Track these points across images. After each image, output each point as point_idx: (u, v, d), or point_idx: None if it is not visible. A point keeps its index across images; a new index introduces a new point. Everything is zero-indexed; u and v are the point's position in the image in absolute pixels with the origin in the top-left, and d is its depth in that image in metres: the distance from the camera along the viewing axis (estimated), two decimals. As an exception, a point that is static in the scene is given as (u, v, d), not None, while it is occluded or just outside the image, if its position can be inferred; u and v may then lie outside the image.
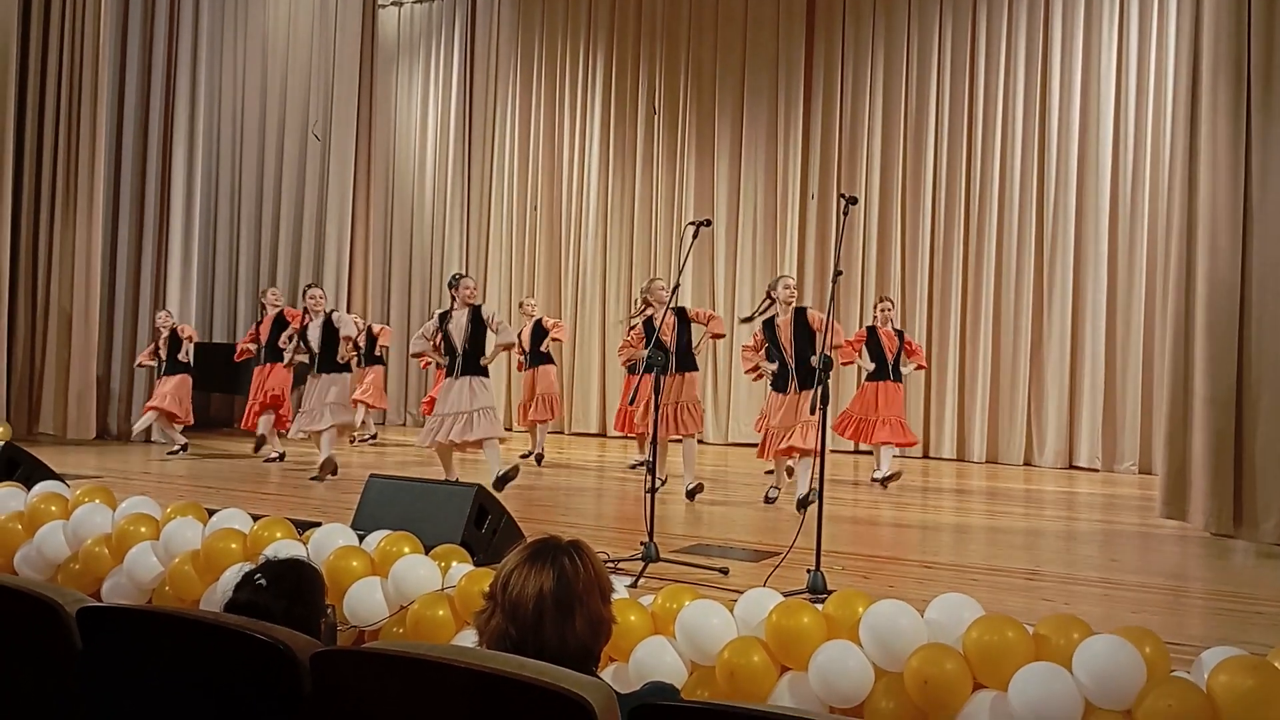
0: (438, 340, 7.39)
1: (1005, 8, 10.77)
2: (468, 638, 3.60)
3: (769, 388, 7.99)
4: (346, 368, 8.42)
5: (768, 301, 7.02)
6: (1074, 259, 10.39)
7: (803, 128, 11.57)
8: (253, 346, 9.31)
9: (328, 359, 8.28)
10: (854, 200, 4.80)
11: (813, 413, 4.38)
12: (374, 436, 11.03)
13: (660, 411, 7.00)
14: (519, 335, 9.57)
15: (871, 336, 8.47)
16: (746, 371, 7.55)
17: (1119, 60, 10.28)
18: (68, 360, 9.81)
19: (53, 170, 9.94)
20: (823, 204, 11.50)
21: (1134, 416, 10.03)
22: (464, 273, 8.07)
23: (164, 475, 8.06)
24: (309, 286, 8.73)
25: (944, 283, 10.94)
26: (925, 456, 10.76)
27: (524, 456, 9.13)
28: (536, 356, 9.63)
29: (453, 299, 7.44)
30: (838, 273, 4.69)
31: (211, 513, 4.59)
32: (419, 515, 4.76)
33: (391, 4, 13.62)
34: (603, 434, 12.09)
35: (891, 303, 8.70)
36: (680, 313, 7.35)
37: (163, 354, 9.40)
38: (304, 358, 8.53)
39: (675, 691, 2.24)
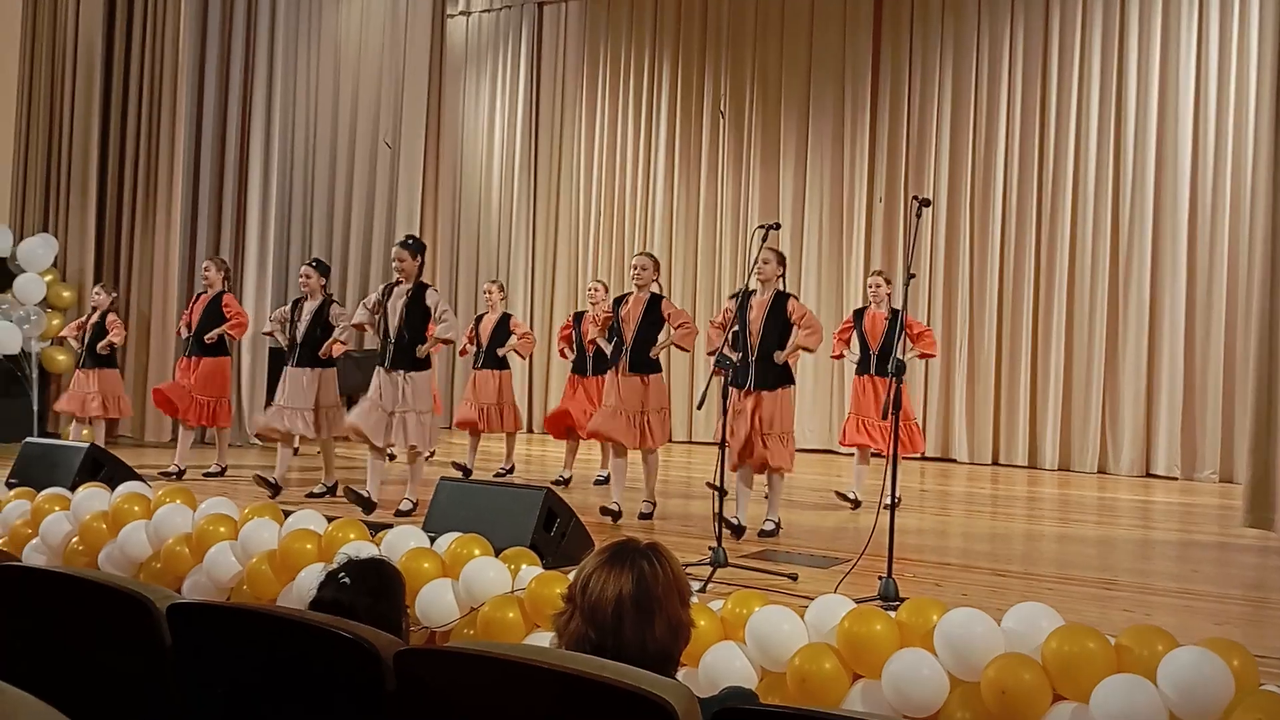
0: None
1: (1079, 7, 10.55)
2: (537, 640, 3.63)
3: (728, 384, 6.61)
4: (330, 364, 7.39)
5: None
6: (1151, 261, 10.13)
7: (869, 131, 11.46)
8: (185, 330, 8.24)
9: (309, 352, 7.26)
10: (927, 203, 4.74)
11: (885, 418, 4.32)
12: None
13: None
14: (477, 324, 8.65)
15: (858, 321, 7.34)
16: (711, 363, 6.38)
17: (1198, 58, 10.00)
18: (146, 364, 10.08)
19: (134, 179, 10.24)
20: (889, 208, 11.38)
21: (1214, 422, 9.74)
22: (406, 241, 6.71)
23: (239, 476, 8.23)
24: (308, 263, 7.69)
25: (1015, 287, 10.74)
26: (995, 463, 10.57)
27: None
28: (491, 358, 8.41)
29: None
30: (910, 276, 4.64)
31: (287, 514, 4.69)
32: (488, 518, 4.82)
33: (460, 13, 13.79)
34: (689, 440, 12.03)
35: (885, 278, 7.36)
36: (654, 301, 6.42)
37: (89, 334, 8.34)
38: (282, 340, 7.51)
39: (755, 696, 2.23)
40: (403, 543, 4.32)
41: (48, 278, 9.98)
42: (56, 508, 5.16)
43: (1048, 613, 3.20)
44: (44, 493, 5.36)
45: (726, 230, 12.21)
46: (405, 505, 6.36)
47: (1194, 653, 2.84)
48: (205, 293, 8.19)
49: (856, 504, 7.11)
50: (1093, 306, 10.35)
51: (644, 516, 6.43)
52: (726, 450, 5.25)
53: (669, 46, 12.62)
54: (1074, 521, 7.19)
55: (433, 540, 4.37)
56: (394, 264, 6.43)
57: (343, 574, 2.36)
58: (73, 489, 5.39)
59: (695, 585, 4.42)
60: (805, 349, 6.05)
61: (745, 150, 12.12)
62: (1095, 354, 10.30)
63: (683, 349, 6.57)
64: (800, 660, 3.27)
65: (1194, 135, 9.99)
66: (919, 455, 8.81)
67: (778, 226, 5.46)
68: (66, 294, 10.03)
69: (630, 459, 6.60)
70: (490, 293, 8.78)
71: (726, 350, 5.79)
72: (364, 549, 4.09)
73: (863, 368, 7.29)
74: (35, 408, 9.92)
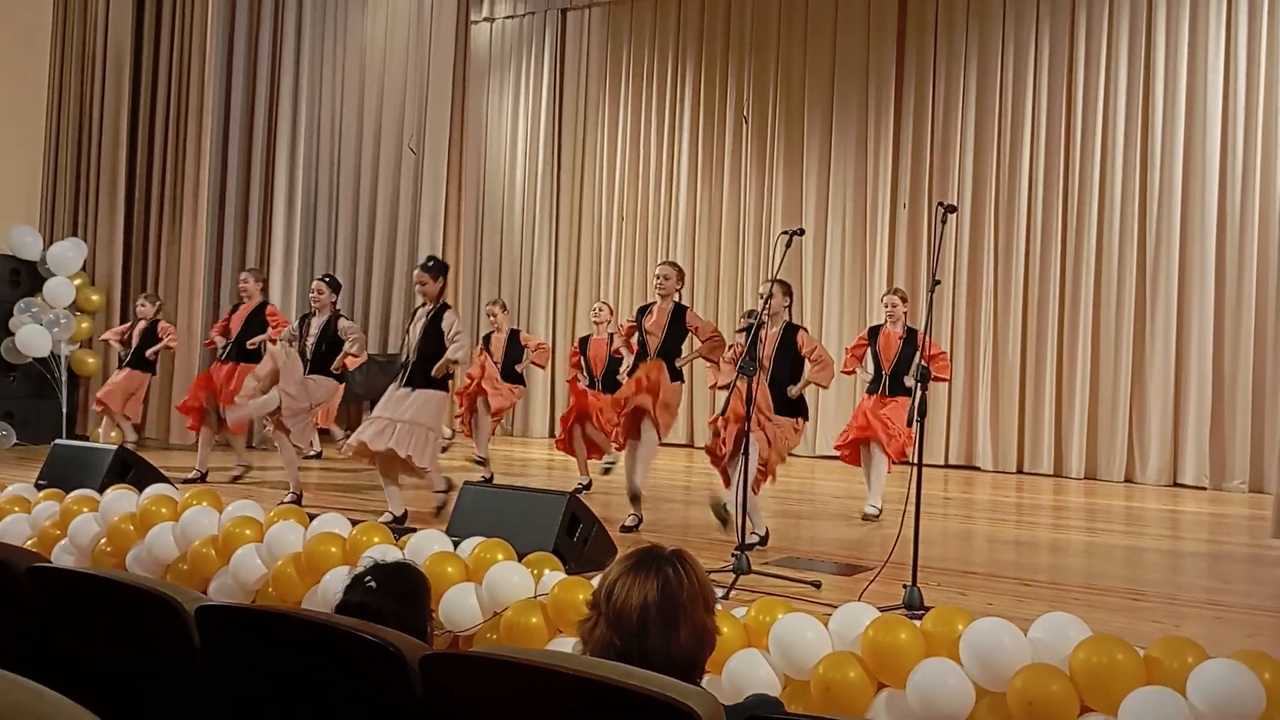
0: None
1: (1106, 11, 10.47)
2: (560, 645, 3.63)
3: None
4: (341, 378, 7.43)
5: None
6: (1179, 268, 10.03)
7: (893, 136, 11.42)
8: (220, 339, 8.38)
9: (320, 365, 7.24)
10: (953, 209, 4.71)
11: (910, 425, 4.30)
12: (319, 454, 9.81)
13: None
14: (486, 342, 8.81)
15: (873, 339, 7.18)
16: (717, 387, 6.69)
17: (1226, 64, 9.91)
18: (172, 369, 10.16)
19: (161, 184, 10.33)
20: (913, 213, 11.33)
21: (1244, 432, 9.62)
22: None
23: (264, 479, 8.29)
24: (321, 278, 7.69)
25: (1040, 294, 10.66)
26: (1019, 472, 10.49)
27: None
28: (509, 373, 8.70)
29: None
30: (935, 282, 4.61)
31: (312, 517, 4.71)
32: (512, 522, 4.82)
33: (484, 19, 13.86)
34: (690, 444, 12.06)
35: (902, 296, 7.20)
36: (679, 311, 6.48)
37: (133, 343, 8.74)
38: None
39: (780, 704, 2.22)
40: (426, 547, 4.33)
41: (77, 281, 10.09)
42: (85, 509, 5.21)
43: (1075, 623, 3.17)
44: (73, 494, 5.41)
45: (749, 236, 12.19)
46: (387, 517, 6.13)
47: (1225, 665, 2.80)
48: (244, 303, 8.32)
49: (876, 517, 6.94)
50: (1119, 313, 10.26)
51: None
52: (742, 459, 5.19)
53: (692, 52, 12.63)
54: (1101, 531, 7.12)
55: (456, 544, 4.38)
56: (416, 286, 6.41)
57: (369, 578, 2.37)
58: (101, 491, 5.44)
59: (718, 593, 4.41)
60: (819, 384, 6.12)
61: (768, 156, 12.10)
62: (1122, 361, 10.21)
63: (710, 361, 6.53)
64: (824, 669, 3.25)
65: (1222, 139, 9.90)
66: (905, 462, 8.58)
67: (801, 233, 5.43)
68: (95, 298, 10.13)
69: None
70: (495, 315, 8.93)
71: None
72: (389, 553, 4.10)
73: (874, 387, 7.11)
74: (64, 410, 10.03)
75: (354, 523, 4.62)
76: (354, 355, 7.29)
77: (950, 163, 11.16)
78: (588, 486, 7.96)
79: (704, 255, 12.44)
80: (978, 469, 10.61)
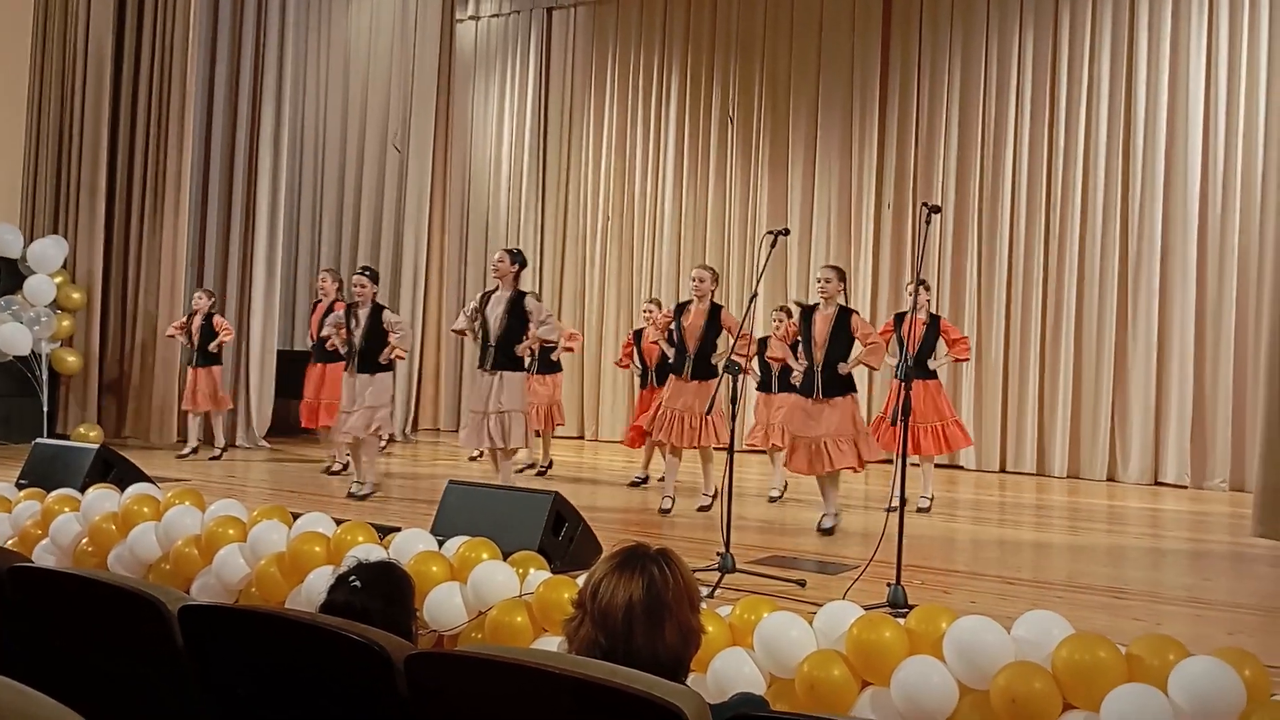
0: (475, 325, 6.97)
1: (1089, 12, 10.53)
2: (545, 644, 3.62)
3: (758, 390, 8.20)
4: (389, 368, 7.66)
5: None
6: (1160, 266, 10.10)
7: (878, 137, 11.45)
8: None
9: (367, 359, 7.46)
10: (937, 209, 4.74)
11: (894, 423, 4.32)
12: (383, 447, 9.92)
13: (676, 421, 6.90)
14: None
15: (899, 325, 7.45)
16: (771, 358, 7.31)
17: (1208, 63, 9.98)
18: (152, 366, 10.10)
19: (143, 181, 10.26)
20: (897, 214, 11.36)
21: (1225, 430, 9.70)
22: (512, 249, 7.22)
23: (247, 479, 8.26)
24: (359, 271, 8.03)
25: (1024, 293, 10.72)
26: (1003, 471, 10.54)
27: (527, 467, 8.89)
28: (545, 364, 8.99)
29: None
30: (919, 282, 4.62)
31: (295, 516, 4.69)
32: (497, 521, 4.82)
33: (469, 18, 13.83)
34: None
35: (926, 286, 7.56)
36: (715, 310, 7.05)
37: (195, 339, 9.08)
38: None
39: (765, 703, 2.22)
40: (411, 546, 4.32)
41: (58, 279, 10.02)
42: (66, 509, 5.17)
43: (1058, 621, 3.18)
44: (54, 494, 5.38)
45: (734, 236, 12.21)
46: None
47: (1206, 662, 2.82)
48: (320, 302, 8.89)
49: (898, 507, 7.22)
50: (1102, 312, 10.32)
51: (702, 509, 6.94)
52: (778, 452, 5.30)
53: (678, 52, 12.63)
54: (1083, 530, 7.16)
55: (441, 543, 4.37)
56: (493, 268, 6.94)
57: (354, 578, 2.36)
58: (83, 490, 5.40)
59: (703, 591, 4.42)
60: (868, 366, 6.48)
61: (754, 156, 12.11)
62: (1105, 360, 10.27)
63: (872, 367, 6.94)
64: (809, 667, 3.26)
65: (1204, 141, 9.97)
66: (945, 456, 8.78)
67: (786, 233, 5.46)
68: (76, 295, 10.06)
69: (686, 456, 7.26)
70: None
71: (792, 361, 6.48)
72: (373, 552, 4.09)
73: (899, 370, 7.35)
74: (45, 409, 9.95)
75: (338, 521, 4.60)
76: (401, 349, 7.62)
77: (934, 164, 11.20)
78: (644, 480, 8.47)
79: (689, 255, 12.44)
80: (961, 468, 10.65)
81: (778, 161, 11.98)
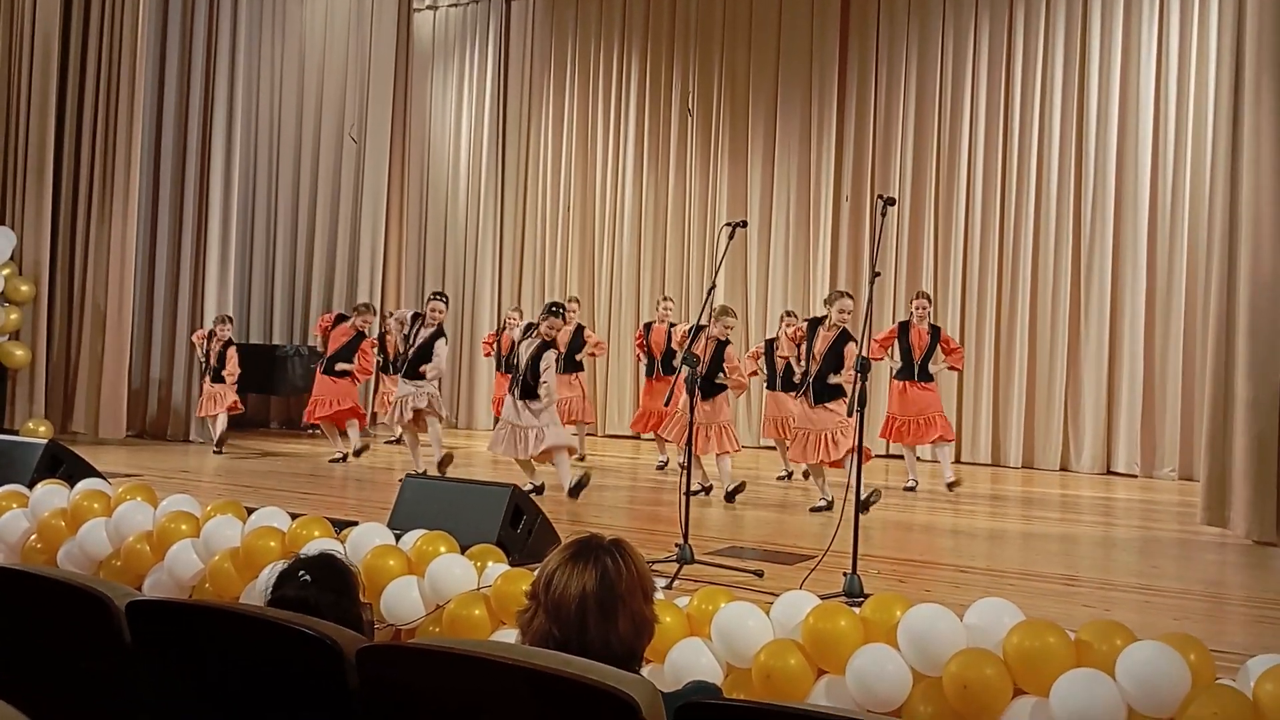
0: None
1: (1043, 7, 10.65)
2: (503, 637, 3.61)
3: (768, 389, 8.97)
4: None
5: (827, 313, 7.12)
6: (1112, 260, 10.27)
7: (836, 129, 11.52)
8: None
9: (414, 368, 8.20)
10: (892, 201, 4.78)
11: (850, 414, 4.35)
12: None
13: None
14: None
15: (903, 333, 8.37)
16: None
17: (1159, 57, 10.15)
18: (101, 358, 9.93)
19: (90, 167, 10.06)
20: (855, 206, 11.45)
21: (1174, 421, 9.89)
22: (559, 304, 8.09)
23: (201, 474, 8.15)
24: (434, 295, 8.72)
25: (979, 285, 10.85)
26: (958, 461, 10.65)
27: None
28: (570, 364, 9.49)
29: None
30: (875, 274, 4.67)
31: (250, 511, 4.63)
32: (455, 515, 4.78)
33: (427, 7, 13.70)
34: (637, 437, 12.07)
35: (928, 299, 8.59)
36: (721, 346, 7.57)
37: (213, 359, 9.60)
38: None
39: (718, 690, 2.23)
40: (368, 540, 4.29)
41: (5, 271, 9.80)
42: (14, 505, 5.07)
43: (1009, 608, 3.23)
44: (1, 490, 5.26)
45: (694, 228, 12.23)
46: (572, 481, 7.12)
47: (1152, 647, 2.88)
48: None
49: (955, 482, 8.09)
50: (1055, 305, 10.47)
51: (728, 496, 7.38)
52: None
53: (637, 43, 12.62)
54: (1037, 519, 7.27)
55: (398, 537, 4.34)
56: (544, 326, 7.45)
57: (302, 572, 2.33)
58: (31, 486, 5.30)
59: (661, 582, 4.43)
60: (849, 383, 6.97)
61: (713, 148, 12.14)
62: (1058, 352, 10.43)
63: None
64: (765, 656, 3.28)
65: (1154, 136, 10.14)
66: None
67: (744, 224, 5.49)
68: (25, 288, 9.85)
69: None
70: (574, 310, 9.86)
71: (795, 364, 7.54)
72: (327, 547, 4.05)
73: (904, 374, 8.30)
74: (-9, 403, 9.76)
75: (293, 516, 4.56)
76: (432, 374, 8.23)
77: (891, 156, 11.30)
78: (665, 465, 9.11)
79: (649, 247, 12.45)
80: (917, 459, 10.74)
81: (737, 153, 12.02)
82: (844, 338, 6.95)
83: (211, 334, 9.72)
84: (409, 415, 8.14)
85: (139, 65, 9.97)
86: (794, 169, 11.74)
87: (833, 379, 6.89)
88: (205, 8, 10.51)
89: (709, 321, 7.15)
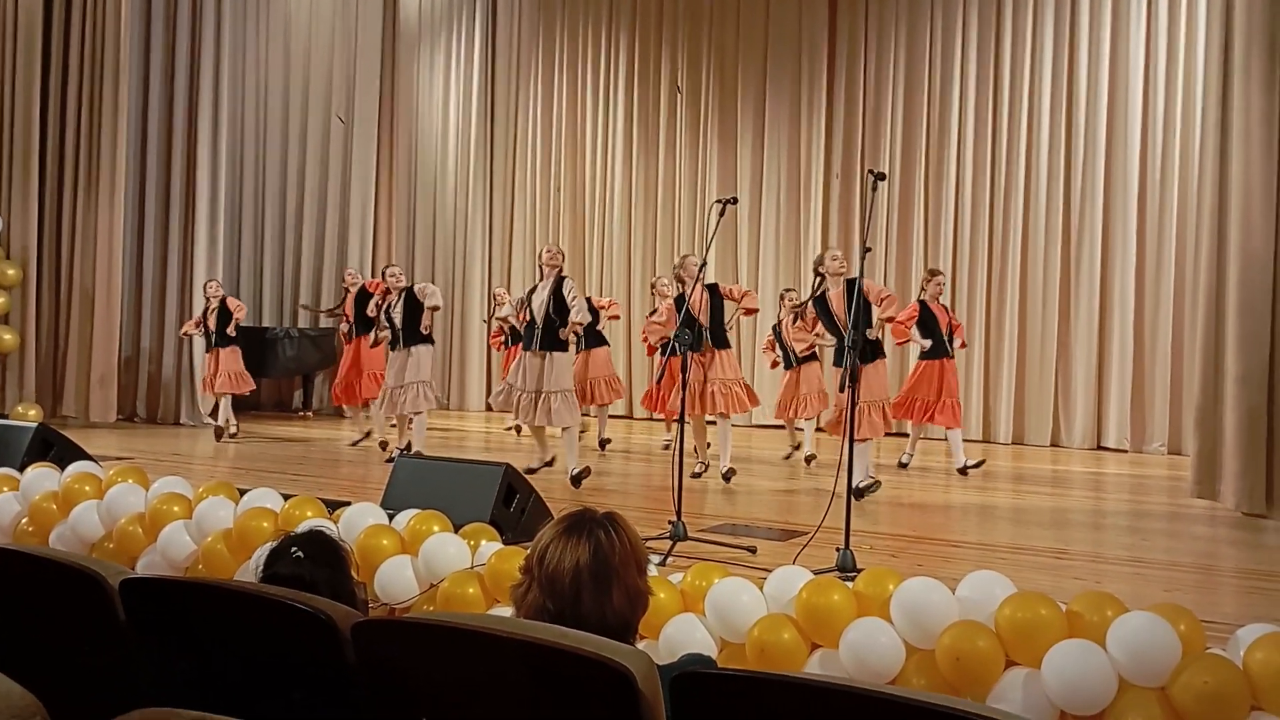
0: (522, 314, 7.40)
1: (1032, -16, 10.64)
2: (498, 614, 3.62)
3: (785, 368, 8.63)
4: (431, 339, 8.22)
5: (818, 279, 6.69)
6: (1102, 236, 10.29)
7: (825, 106, 11.49)
8: (345, 326, 9.50)
9: (412, 331, 8.07)
10: (882, 176, 4.76)
11: (842, 390, 4.36)
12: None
13: (691, 390, 6.94)
14: None
15: (925, 312, 8.06)
16: (802, 351, 7.90)
17: (1148, 33, 10.14)
18: (90, 342, 9.89)
19: (75, 150, 10.00)
20: (845, 182, 11.44)
21: (1164, 396, 9.94)
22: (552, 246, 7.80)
23: (192, 456, 8.14)
24: (387, 267, 8.66)
25: (970, 261, 10.86)
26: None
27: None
28: (591, 337, 8.96)
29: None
30: (865, 250, 4.66)
31: (243, 492, 4.63)
32: (448, 494, 4.78)
33: (413, -14, 13.62)
34: (629, 415, 12.09)
35: (943, 275, 8.36)
36: (712, 289, 7.25)
37: (211, 325, 9.36)
38: (386, 333, 8.30)
39: (713, 663, 2.24)
40: (361, 520, 4.29)
41: (-8, 255, 9.76)
42: (5, 488, 5.06)
43: (1001, 581, 3.24)
44: (-9, 473, 5.25)
45: (684, 206, 12.21)
46: (576, 470, 6.84)
47: (1142, 618, 2.89)
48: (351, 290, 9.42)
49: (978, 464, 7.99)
50: (1046, 281, 10.50)
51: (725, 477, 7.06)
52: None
53: (625, 23, 12.55)
54: (1028, 494, 7.30)
55: (391, 517, 4.34)
56: (545, 259, 7.34)
57: (294, 549, 2.33)
58: (21, 469, 5.28)
59: (655, 559, 4.44)
60: (890, 319, 6.70)
61: (703, 126, 12.11)
62: (1049, 329, 10.46)
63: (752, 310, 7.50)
64: (759, 631, 3.29)
65: (1144, 113, 10.14)
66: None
67: (735, 201, 5.47)
68: (12, 272, 9.80)
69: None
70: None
71: (824, 340, 6.93)
72: (320, 527, 4.04)
73: (938, 353, 8.02)
74: (-20, 388, 9.72)
75: (286, 496, 4.55)
76: (433, 306, 8.05)
77: (881, 132, 11.28)
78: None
79: (639, 225, 12.43)
80: (907, 435, 10.77)
81: (726, 131, 11.98)
82: (851, 284, 6.41)
83: (207, 308, 9.46)
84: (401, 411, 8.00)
85: (123, 48, 9.90)
86: (784, 146, 11.71)
87: (870, 333, 6.46)
88: (190, -12, 10.42)
89: (690, 288, 6.47)
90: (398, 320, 8.11)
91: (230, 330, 9.33)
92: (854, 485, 6.25)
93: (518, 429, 9.80)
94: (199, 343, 10.37)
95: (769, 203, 11.77)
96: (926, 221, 11.06)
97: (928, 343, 7.98)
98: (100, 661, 2.06)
